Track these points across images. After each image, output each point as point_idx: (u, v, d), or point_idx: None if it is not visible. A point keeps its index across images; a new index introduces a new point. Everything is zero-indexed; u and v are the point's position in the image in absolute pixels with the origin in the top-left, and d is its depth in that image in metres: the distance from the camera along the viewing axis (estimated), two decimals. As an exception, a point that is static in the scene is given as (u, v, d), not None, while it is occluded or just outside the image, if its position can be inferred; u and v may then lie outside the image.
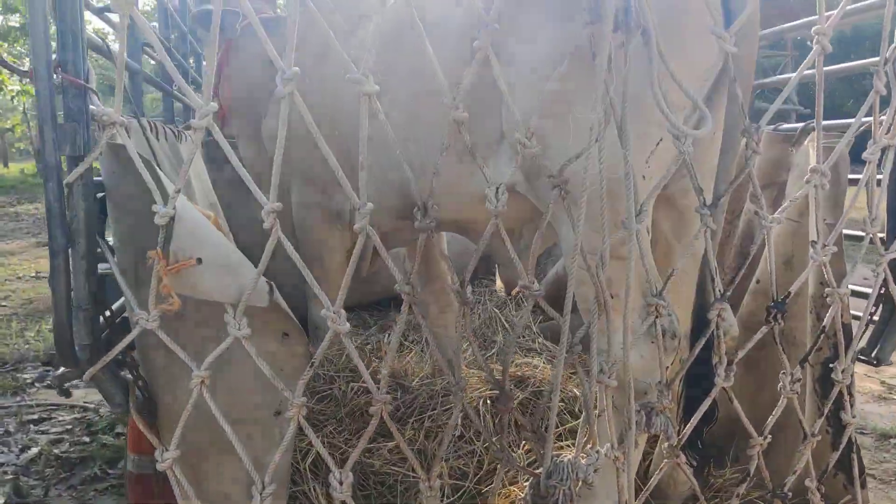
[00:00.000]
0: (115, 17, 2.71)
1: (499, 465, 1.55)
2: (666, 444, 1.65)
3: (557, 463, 1.49)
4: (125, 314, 1.76)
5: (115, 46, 1.91)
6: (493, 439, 1.57)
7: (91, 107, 1.47)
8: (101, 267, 1.56)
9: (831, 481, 1.95)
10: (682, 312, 1.78)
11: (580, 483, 1.49)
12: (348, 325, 1.45)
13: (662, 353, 1.57)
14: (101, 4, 2.08)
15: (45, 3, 1.31)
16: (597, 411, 1.55)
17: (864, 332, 1.81)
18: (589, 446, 1.53)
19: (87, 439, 4.18)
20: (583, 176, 1.40)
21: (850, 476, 1.86)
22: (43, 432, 4.26)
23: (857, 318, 1.85)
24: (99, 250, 1.53)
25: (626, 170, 1.41)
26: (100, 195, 1.58)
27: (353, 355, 1.46)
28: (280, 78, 1.30)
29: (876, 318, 1.89)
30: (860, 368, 5.36)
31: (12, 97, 18.36)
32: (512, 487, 1.96)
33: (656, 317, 1.53)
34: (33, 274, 9.23)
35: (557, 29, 1.69)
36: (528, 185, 1.84)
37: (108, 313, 1.55)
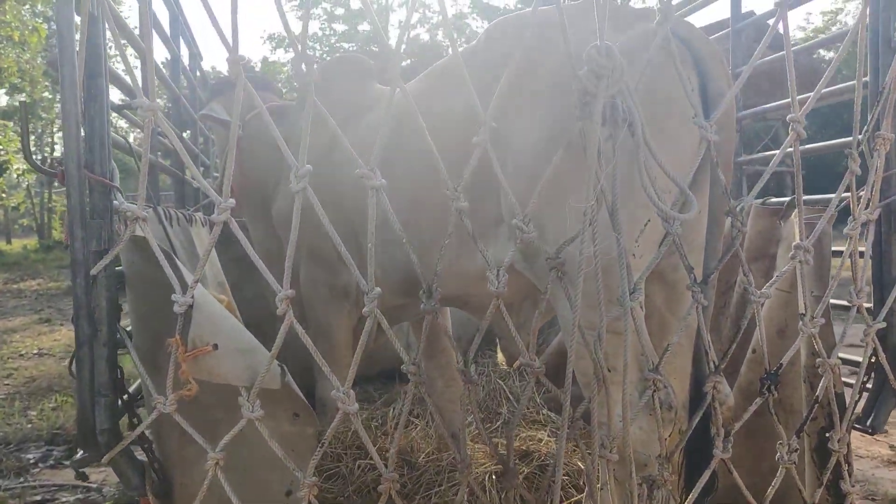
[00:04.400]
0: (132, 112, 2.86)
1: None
2: (669, 517, 1.68)
3: (564, 538, 1.53)
4: (140, 398, 1.82)
5: (135, 145, 2.03)
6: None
7: (115, 202, 1.57)
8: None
9: (834, 551, 1.96)
10: (678, 384, 1.84)
11: (586, 558, 1.52)
12: (357, 405, 1.51)
13: (661, 425, 1.62)
14: (119, 101, 2.21)
15: (77, 111, 1.43)
16: (599, 484, 1.59)
17: (857, 400, 1.86)
18: (593, 520, 1.56)
19: (90, 520, 4.13)
20: (578, 257, 1.49)
21: (852, 545, 1.88)
22: (46, 514, 4.21)
23: (850, 385, 1.91)
24: (118, 336, 1.60)
25: (619, 251, 1.50)
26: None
27: (361, 434, 1.51)
28: (294, 175, 1.41)
29: (869, 385, 1.94)
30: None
31: (17, 175, 18.81)
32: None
33: (654, 391, 1.59)
34: (35, 351, 9.22)
35: (549, 118, 1.81)
36: (527, 264, 1.92)
37: (125, 397, 1.60)
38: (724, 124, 1.70)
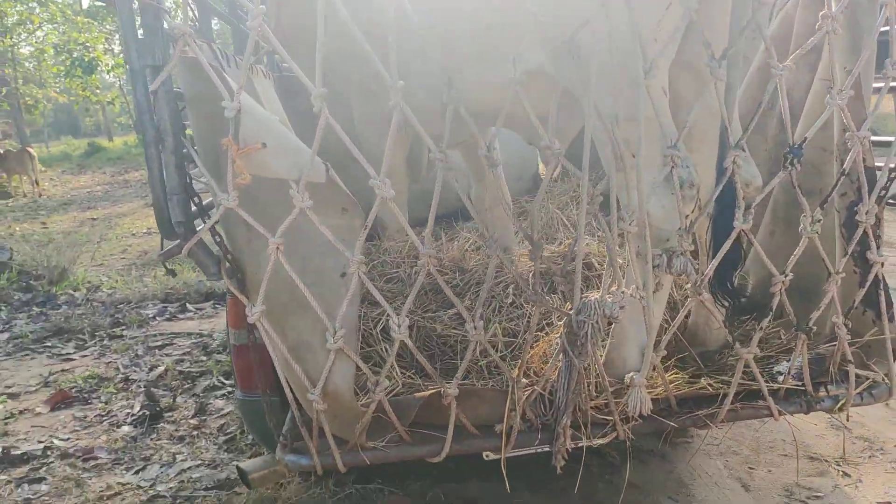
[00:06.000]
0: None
1: (534, 309, 1.75)
2: (689, 284, 1.79)
3: (585, 302, 1.68)
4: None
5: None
6: (529, 287, 1.77)
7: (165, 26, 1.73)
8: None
9: (860, 318, 2.03)
10: (704, 169, 1.89)
11: (607, 319, 1.67)
12: (392, 191, 1.68)
13: (681, 201, 1.71)
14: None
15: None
16: (621, 259, 1.72)
17: (891, 179, 1.84)
18: (613, 288, 1.70)
19: (204, 358, 4.73)
20: (591, 38, 1.55)
21: (878, 311, 1.93)
22: (167, 355, 4.83)
23: (881, 167, 1.89)
24: (185, 150, 1.80)
25: (631, 24, 1.54)
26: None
27: (399, 217, 1.69)
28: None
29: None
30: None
31: (108, 71, 19.72)
32: (551, 335, 2.18)
33: (672, 167, 1.67)
34: (145, 231, 10.06)
35: None
36: (554, 67, 1.97)
37: (197, 200, 1.83)
38: None
